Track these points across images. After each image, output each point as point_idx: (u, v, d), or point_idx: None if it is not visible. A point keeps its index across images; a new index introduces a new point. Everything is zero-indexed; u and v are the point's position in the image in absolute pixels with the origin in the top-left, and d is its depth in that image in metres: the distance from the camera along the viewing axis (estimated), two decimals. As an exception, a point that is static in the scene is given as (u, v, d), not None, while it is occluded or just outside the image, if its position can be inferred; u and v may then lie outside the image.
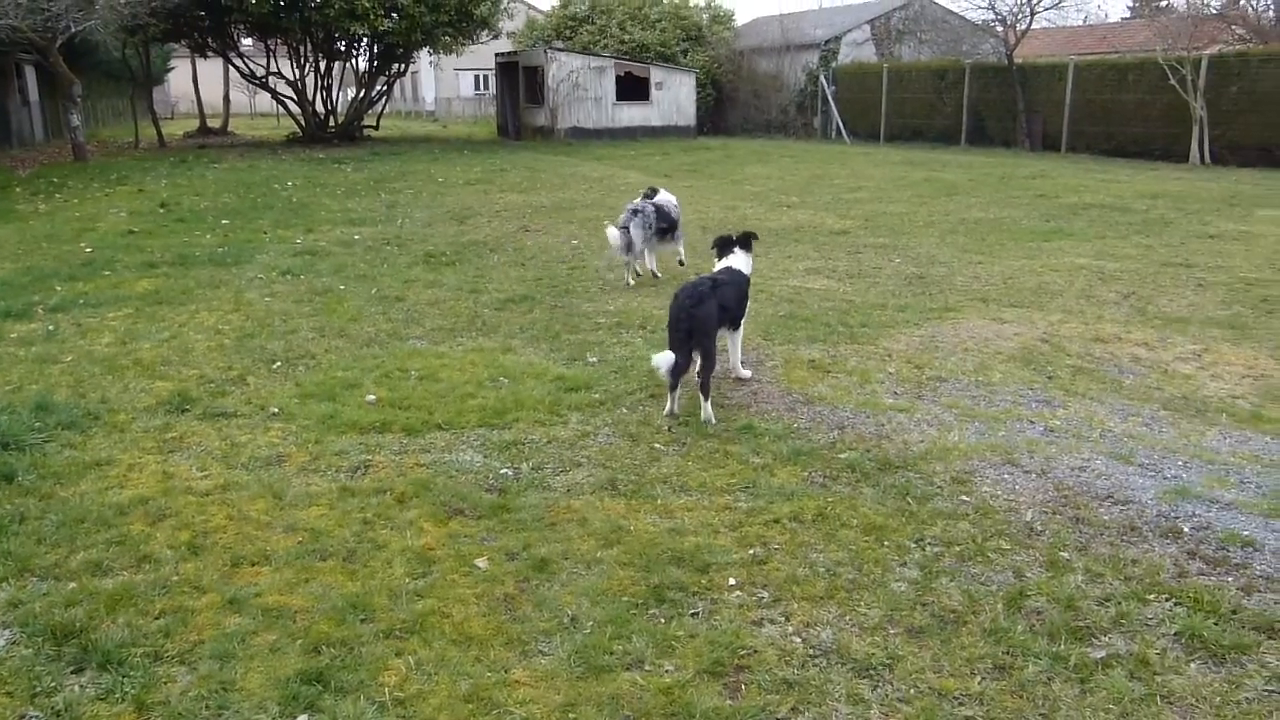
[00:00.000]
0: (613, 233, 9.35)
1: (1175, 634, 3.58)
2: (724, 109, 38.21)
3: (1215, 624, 3.62)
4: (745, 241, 6.68)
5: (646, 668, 3.39)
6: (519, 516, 4.54)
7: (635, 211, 9.43)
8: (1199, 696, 3.24)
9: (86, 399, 6.17)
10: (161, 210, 15.13)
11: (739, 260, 6.54)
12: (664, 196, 9.93)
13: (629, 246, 9.42)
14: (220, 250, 11.53)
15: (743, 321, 6.49)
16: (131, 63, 32.95)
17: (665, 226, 9.64)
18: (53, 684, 3.30)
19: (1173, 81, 22.48)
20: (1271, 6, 27.48)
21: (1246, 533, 4.35)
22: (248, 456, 5.29)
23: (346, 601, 3.78)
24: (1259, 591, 3.87)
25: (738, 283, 6.30)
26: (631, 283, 9.65)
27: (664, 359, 5.62)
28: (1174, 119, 23.25)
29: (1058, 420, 5.83)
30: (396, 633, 3.60)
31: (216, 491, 4.83)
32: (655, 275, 9.95)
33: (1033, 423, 5.79)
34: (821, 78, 34.18)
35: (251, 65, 31.98)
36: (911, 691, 3.27)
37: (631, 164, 23.78)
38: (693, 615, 3.72)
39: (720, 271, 6.42)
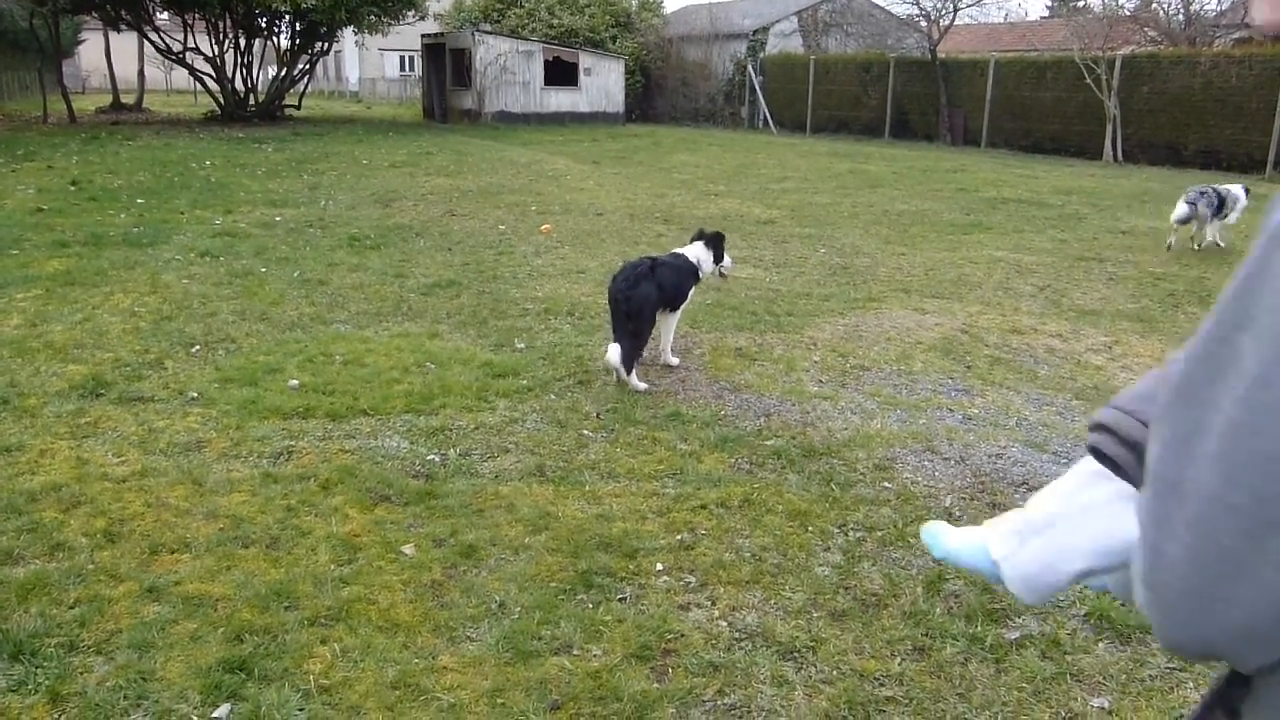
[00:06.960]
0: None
1: (1084, 615, 3.73)
2: (652, 96, 38.23)
3: (1122, 606, 3.78)
4: (706, 238, 6.78)
5: (574, 652, 3.41)
6: (446, 503, 4.52)
7: (1202, 193, 11.21)
8: (1106, 675, 3.38)
9: (-7, 382, 5.95)
10: (72, 188, 14.56)
11: (692, 249, 6.65)
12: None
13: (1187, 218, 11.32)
14: (135, 230, 11.16)
15: (682, 307, 6.56)
16: (40, 33, 31.60)
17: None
18: (-40, 677, 3.20)
19: (1088, 80, 23.15)
20: (1181, 10, 28.43)
21: (1151, 517, 4.54)
22: (166, 442, 5.15)
23: (270, 589, 3.73)
24: (1162, 573, 4.05)
25: (678, 266, 6.38)
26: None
27: (615, 353, 5.78)
28: (1089, 117, 23.96)
29: (976, 409, 6.00)
30: (321, 620, 3.56)
31: (133, 478, 4.70)
32: (1218, 244, 11.47)
33: (952, 411, 5.95)
34: (749, 68, 34.44)
35: (168, 40, 30.82)
36: (834, 673, 3.35)
37: (559, 150, 23.66)
38: (620, 600, 3.75)
39: (666, 254, 6.53)
